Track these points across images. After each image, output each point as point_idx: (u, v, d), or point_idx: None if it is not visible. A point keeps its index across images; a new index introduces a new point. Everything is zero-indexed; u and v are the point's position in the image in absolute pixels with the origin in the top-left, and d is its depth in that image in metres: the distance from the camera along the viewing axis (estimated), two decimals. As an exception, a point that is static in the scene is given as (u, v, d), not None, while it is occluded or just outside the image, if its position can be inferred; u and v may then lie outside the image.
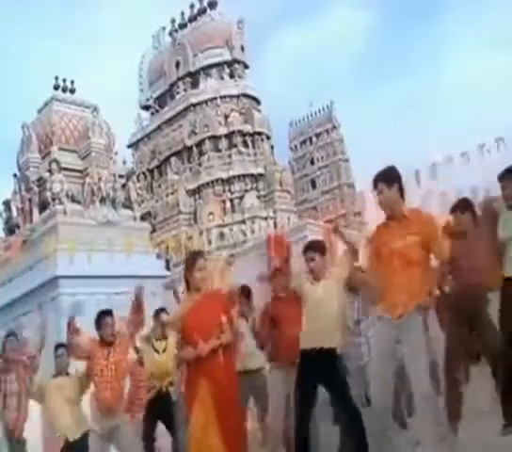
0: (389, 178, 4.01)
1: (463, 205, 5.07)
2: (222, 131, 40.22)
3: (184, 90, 43.20)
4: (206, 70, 43.08)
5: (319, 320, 4.63)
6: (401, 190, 4.01)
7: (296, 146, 52.81)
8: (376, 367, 4.14)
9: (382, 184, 3.99)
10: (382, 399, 3.91)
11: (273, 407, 5.53)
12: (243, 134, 40.38)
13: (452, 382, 4.72)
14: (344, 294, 4.87)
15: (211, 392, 4.46)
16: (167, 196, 40.30)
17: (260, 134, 40.92)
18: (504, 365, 4.52)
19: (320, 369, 4.52)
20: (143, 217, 31.94)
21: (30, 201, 28.63)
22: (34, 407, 6.24)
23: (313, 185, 51.23)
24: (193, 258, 4.71)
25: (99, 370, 5.65)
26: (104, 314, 5.79)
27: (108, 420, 5.65)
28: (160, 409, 6.23)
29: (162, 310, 6.53)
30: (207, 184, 39.35)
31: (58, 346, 6.12)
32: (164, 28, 48.21)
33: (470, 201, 5.19)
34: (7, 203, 30.41)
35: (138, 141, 45.69)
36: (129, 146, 45.80)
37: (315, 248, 4.81)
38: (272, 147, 42.67)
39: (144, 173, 43.09)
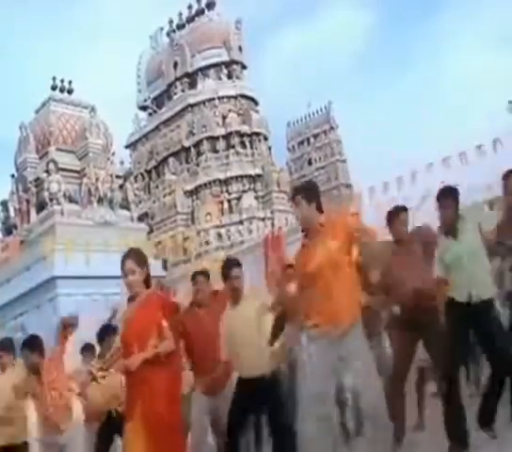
0: (309, 194, 4.07)
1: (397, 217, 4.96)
2: (220, 132, 40.20)
3: (182, 91, 43.17)
4: (204, 70, 43.06)
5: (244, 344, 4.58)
6: (319, 206, 4.05)
7: (293, 147, 52.78)
8: (313, 388, 3.87)
9: (301, 197, 4.04)
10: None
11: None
12: (241, 134, 40.37)
13: (396, 399, 4.64)
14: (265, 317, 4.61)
15: (142, 412, 3.83)
16: (164, 196, 40.26)
17: (258, 134, 40.92)
18: (448, 387, 4.46)
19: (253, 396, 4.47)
20: (140, 218, 31.94)
21: (28, 201, 28.62)
22: None
23: (311, 185, 51.14)
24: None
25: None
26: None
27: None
28: (109, 433, 5.86)
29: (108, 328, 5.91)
30: (205, 184, 39.32)
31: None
32: (162, 29, 48.17)
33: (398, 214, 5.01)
34: (4, 204, 30.40)
35: (136, 142, 45.65)
36: (126, 146, 45.77)
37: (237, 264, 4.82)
38: (270, 148, 42.66)
39: (142, 174, 43.05)
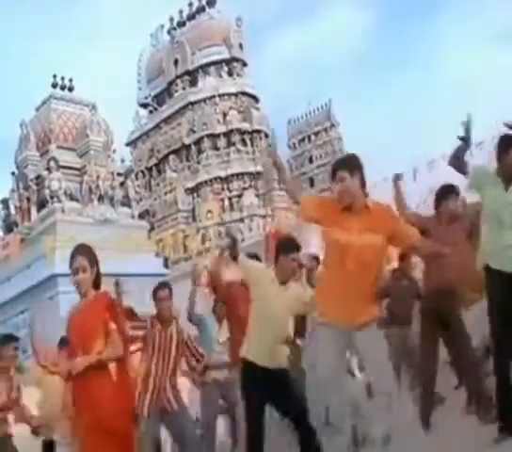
0: (351, 166, 3.54)
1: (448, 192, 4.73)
2: (221, 129, 40.19)
3: (183, 89, 43.14)
4: (205, 68, 43.03)
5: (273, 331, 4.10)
6: (363, 181, 3.54)
7: (294, 144, 52.69)
8: (322, 375, 3.61)
9: (343, 171, 3.50)
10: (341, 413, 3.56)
11: None
12: (241, 132, 40.36)
13: (427, 383, 4.61)
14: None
15: (89, 424, 3.49)
16: (165, 194, 40.26)
17: (258, 132, 40.90)
18: (476, 373, 4.34)
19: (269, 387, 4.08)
20: (141, 216, 31.91)
21: (28, 199, 28.61)
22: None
23: (312, 183, 51.13)
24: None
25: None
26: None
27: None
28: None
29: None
30: (205, 182, 39.32)
31: None
32: (162, 26, 48.13)
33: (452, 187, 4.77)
34: (5, 202, 30.39)
35: (137, 139, 45.63)
36: (127, 144, 45.76)
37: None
38: (270, 145, 42.62)
39: (142, 171, 43.05)
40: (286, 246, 4.15)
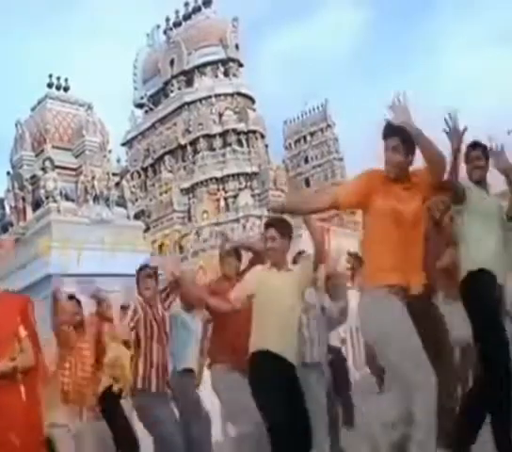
0: (406, 135, 3.14)
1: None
2: (216, 129, 40.18)
3: (179, 89, 43.12)
4: (201, 68, 43.02)
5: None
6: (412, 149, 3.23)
7: (290, 145, 52.79)
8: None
9: (398, 140, 3.17)
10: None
11: None
12: (237, 132, 40.35)
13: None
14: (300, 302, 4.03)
15: None
16: (161, 194, 40.22)
17: (254, 132, 40.91)
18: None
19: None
20: (137, 216, 31.84)
21: (23, 199, 28.53)
22: None
23: (308, 183, 51.19)
24: None
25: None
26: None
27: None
28: None
29: None
30: (201, 182, 39.30)
31: None
32: (158, 26, 48.13)
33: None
34: (0, 202, 30.31)
35: (132, 140, 45.59)
36: (123, 144, 45.71)
37: (277, 226, 3.90)
38: (266, 145, 42.65)
39: (138, 172, 43.01)
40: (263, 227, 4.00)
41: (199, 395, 5.28)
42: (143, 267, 5.03)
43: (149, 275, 4.92)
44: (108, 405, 5.34)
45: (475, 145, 3.87)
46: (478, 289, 3.68)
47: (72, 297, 5.32)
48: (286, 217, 3.93)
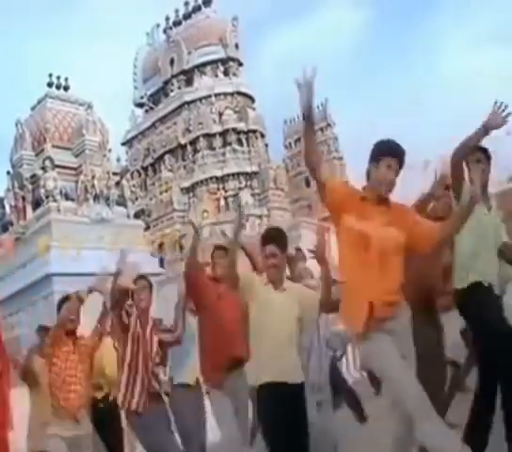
0: (402, 155, 3.19)
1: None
2: (216, 129, 40.17)
3: (179, 88, 43.10)
4: (200, 67, 43.01)
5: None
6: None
7: (290, 144, 52.68)
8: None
9: (397, 161, 3.17)
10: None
11: None
12: (237, 132, 40.34)
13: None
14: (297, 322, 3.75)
15: None
16: (160, 194, 40.21)
17: (254, 131, 40.90)
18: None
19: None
20: (137, 215, 31.89)
21: (23, 198, 28.56)
22: None
23: (308, 183, 51.01)
24: None
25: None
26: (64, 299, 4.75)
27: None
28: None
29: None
30: (201, 182, 39.30)
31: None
32: (158, 26, 48.11)
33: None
34: (0, 201, 30.34)
35: (132, 139, 45.58)
36: (123, 143, 45.71)
37: (277, 241, 3.72)
38: (266, 145, 42.66)
39: (138, 171, 43.00)
40: (260, 241, 3.74)
41: (195, 411, 4.90)
42: (140, 278, 4.80)
43: (145, 286, 4.69)
44: (98, 415, 5.00)
45: (476, 148, 3.75)
46: (479, 300, 3.65)
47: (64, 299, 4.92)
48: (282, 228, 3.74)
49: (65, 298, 4.60)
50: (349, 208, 3.16)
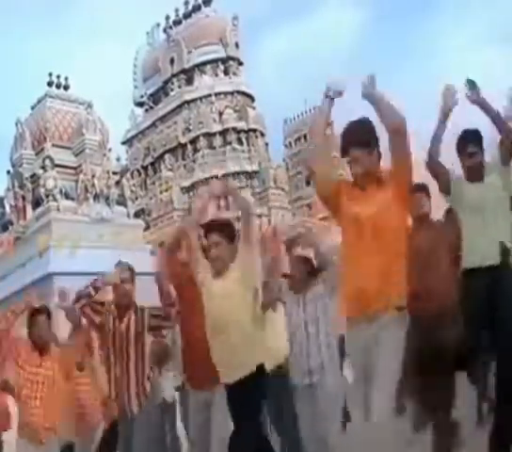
0: (367, 141, 3.08)
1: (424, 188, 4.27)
2: (216, 128, 40.15)
3: (179, 87, 43.08)
4: (201, 66, 42.97)
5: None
6: (379, 153, 3.11)
7: (290, 143, 52.68)
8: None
9: (359, 149, 3.05)
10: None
11: None
12: (237, 131, 40.33)
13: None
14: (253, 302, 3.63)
15: None
16: (161, 193, 40.18)
17: (254, 131, 40.88)
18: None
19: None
20: (137, 214, 31.88)
21: (23, 197, 28.56)
22: None
23: (308, 182, 51.13)
24: None
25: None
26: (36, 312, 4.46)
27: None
28: None
29: None
30: (201, 181, 39.25)
31: None
32: (158, 25, 48.07)
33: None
34: (0, 200, 30.34)
35: (132, 138, 45.55)
36: (123, 143, 45.69)
37: (220, 230, 3.66)
38: (267, 144, 42.64)
39: (138, 170, 42.97)
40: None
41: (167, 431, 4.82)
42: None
43: (126, 279, 4.35)
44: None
45: (467, 135, 3.84)
46: (466, 290, 3.61)
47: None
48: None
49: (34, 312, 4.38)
50: (346, 195, 3.13)
